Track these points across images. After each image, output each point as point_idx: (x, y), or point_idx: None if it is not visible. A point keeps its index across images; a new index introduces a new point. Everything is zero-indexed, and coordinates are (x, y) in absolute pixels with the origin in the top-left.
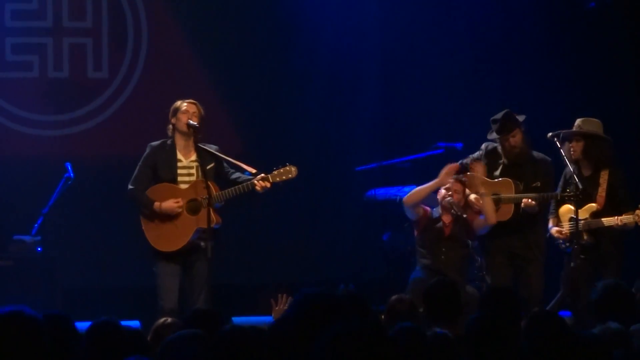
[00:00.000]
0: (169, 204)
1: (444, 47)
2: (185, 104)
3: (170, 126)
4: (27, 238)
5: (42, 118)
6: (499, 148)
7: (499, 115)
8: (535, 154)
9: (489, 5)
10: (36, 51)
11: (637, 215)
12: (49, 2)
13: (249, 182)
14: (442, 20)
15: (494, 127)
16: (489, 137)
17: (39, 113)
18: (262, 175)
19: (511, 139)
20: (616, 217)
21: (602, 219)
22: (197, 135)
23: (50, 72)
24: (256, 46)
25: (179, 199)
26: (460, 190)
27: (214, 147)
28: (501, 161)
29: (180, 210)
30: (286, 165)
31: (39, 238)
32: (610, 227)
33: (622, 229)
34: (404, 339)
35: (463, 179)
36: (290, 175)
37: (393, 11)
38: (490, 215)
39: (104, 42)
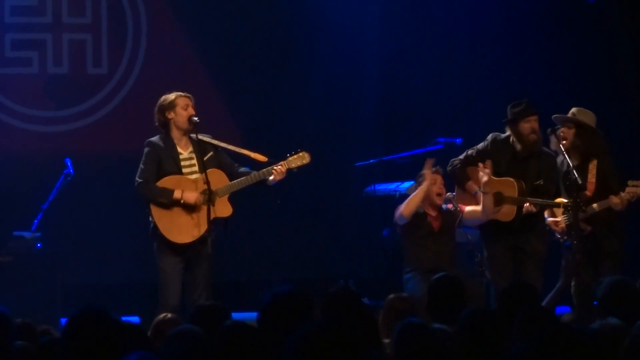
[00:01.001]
0: (193, 195)
1: (443, 42)
2: (182, 98)
3: (161, 120)
4: (26, 234)
5: (41, 114)
6: (512, 138)
7: (521, 100)
8: (542, 148)
9: (488, 1)
10: (35, 47)
11: (628, 193)
12: None
13: (264, 170)
14: (442, 16)
15: (518, 108)
16: (510, 116)
17: (39, 109)
18: (280, 163)
19: (533, 122)
20: (612, 197)
21: (594, 205)
22: (196, 129)
23: (49, 68)
24: (256, 41)
25: (199, 191)
26: (440, 181)
27: (208, 135)
28: (510, 153)
29: (201, 201)
30: (299, 152)
31: (38, 234)
32: (605, 212)
33: (610, 210)
34: (410, 335)
35: (440, 170)
36: (304, 161)
37: (394, 7)
38: (487, 213)
39: (103, 38)
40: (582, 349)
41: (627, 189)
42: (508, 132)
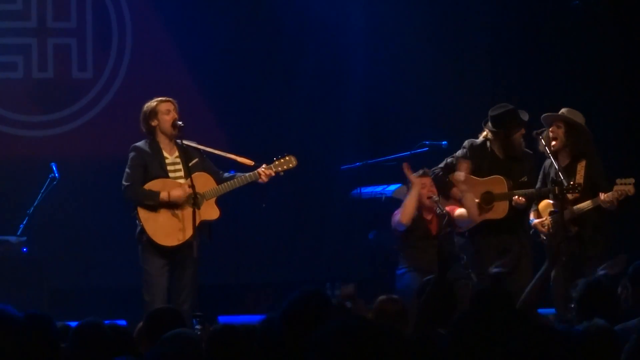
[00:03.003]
0: (178, 191)
1: (428, 45)
2: (163, 103)
3: (147, 129)
4: (12, 238)
5: (26, 119)
6: (489, 142)
7: (507, 106)
8: None
9: (473, 3)
10: (20, 52)
11: (616, 191)
12: (33, 2)
13: (251, 173)
14: (427, 19)
15: (508, 116)
16: (492, 128)
17: (24, 114)
18: (265, 165)
19: (522, 130)
20: (601, 195)
21: (579, 205)
22: (181, 133)
23: (34, 73)
24: (241, 45)
25: (185, 186)
26: (429, 183)
27: (193, 142)
28: (489, 156)
29: (188, 195)
30: (285, 156)
31: (24, 238)
32: (590, 212)
33: (600, 212)
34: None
35: (428, 172)
36: (290, 165)
37: (378, 9)
38: (472, 212)
39: (88, 42)
40: (568, 350)
41: (616, 188)
42: (483, 136)
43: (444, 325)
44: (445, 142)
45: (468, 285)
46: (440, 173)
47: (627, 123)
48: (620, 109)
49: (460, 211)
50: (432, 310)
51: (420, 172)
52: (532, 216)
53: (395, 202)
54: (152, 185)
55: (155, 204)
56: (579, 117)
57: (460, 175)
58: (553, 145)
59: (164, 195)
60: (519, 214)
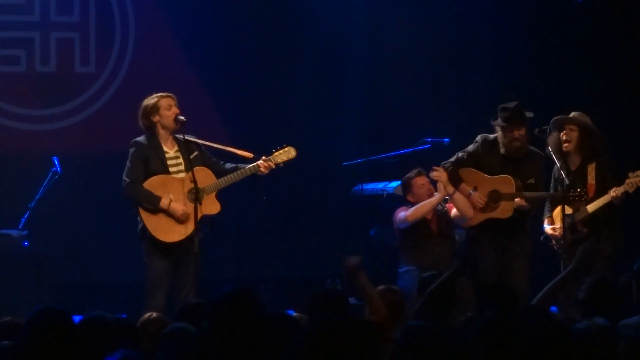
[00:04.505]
0: (179, 207)
1: (431, 42)
2: (164, 99)
3: (146, 124)
4: (13, 232)
5: (29, 112)
6: (499, 138)
7: (510, 104)
8: (530, 148)
9: (476, 0)
10: (23, 46)
11: (628, 184)
12: None
13: (251, 165)
14: (429, 16)
15: (504, 114)
16: (493, 123)
17: (26, 107)
18: (264, 157)
19: (516, 132)
20: (611, 190)
21: (587, 206)
22: (183, 127)
23: (37, 67)
24: (243, 41)
25: (186, 205)
26: (427, 184)
27: (192, 136)
28: (500, 153)
29: (187, 215)
30: (284, 146)
31: (25, 232)
32: (601, 210)
33: (611, 208)
34: (416, 337)
35: (423, 171)
36: (290, 156)
37: (380, 5)
38: (465, 210)
39: (91, 36)
40: (570, 348)
41: (627, 181)
42: (497, 132)
43: (444, 320)
44: (447, 139)
45: (468, 283)
46: (451, 167)
47: (630, 122)
48: (623, 107)
49: (454, 212)
50: (433, 305)
51: (415, 171)
52: (545, 222)
53: (396, 199)
54: (152, 182)
55: (154, 208)
56: (589, 121)
57: (440, 177)
58: (565, 147)
59: (164, 203)
60: (522, 215)
